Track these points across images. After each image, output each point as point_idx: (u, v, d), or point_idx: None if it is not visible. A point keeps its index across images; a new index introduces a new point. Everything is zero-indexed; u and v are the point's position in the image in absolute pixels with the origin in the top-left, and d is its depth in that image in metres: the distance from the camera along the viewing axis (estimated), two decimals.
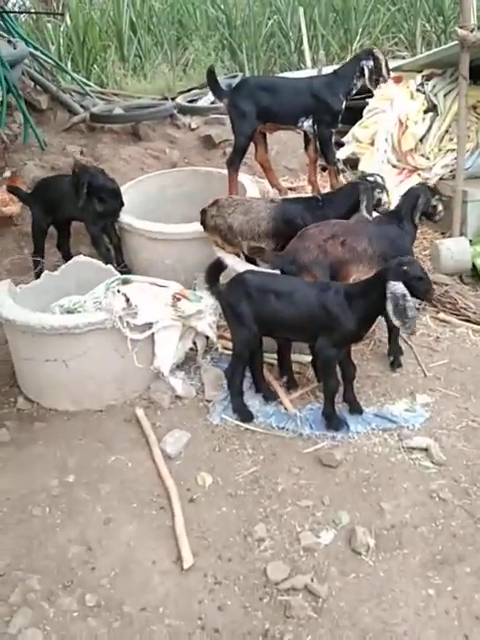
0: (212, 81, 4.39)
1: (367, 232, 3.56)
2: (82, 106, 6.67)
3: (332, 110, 4.23)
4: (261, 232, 3.85)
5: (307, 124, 4.32)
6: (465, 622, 2.28)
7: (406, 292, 2.82)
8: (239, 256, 3.97)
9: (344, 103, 4.26)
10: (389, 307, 2.84)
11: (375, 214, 3.78)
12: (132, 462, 3.12)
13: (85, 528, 2.75)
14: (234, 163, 4.46)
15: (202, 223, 4.04)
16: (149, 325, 3.44)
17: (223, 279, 3.34)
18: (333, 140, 4.42)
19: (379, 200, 3.81)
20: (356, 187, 3.81)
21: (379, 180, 3.88)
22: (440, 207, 3.70)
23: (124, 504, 2.88)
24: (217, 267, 3.28)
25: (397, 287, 2.81)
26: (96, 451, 3.20)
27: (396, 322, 2.86)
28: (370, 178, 3.89)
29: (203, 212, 4.03)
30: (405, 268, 2.88)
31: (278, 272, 3.50)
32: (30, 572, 2.54)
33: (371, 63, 4.17)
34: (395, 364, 3.67)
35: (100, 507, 2.86)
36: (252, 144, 4.54)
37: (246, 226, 3.86)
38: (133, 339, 3.38)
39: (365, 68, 4.18)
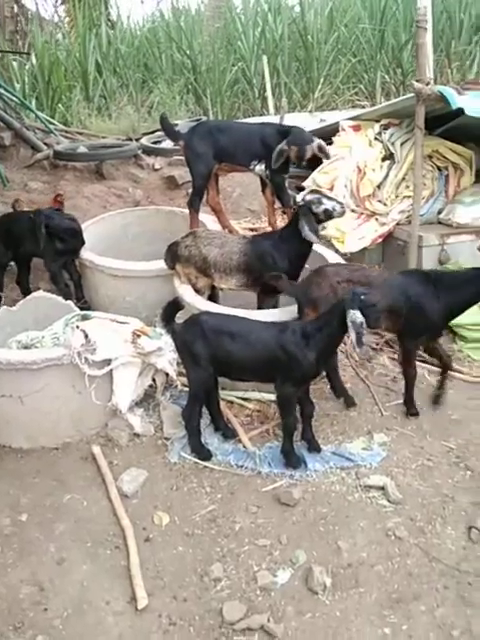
0: (166, 125, 4.53)
1: (383, 287, 3.45)
2: (45, 144, 6.72)
3: None
4: (233, 266, 3.90)
5: (259, 168, 4.42)
6: None
7: (363, 320, 2.90)
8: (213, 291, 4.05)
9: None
10: (352, 335, 2.91)
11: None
12: (87, 501, 3.07)
13: (37, 568, 2.68)
14: (195, 203, 4.53)
15: (173, 255, 4.05)
16: (108, 361, 3.42)
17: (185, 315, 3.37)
18: (286, 184, 4.52)
19: (325, 210, 3.73)
20: (297, 213, 3.80)
21: (311, 197, 3.78)
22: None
23: (78, 543, 2.82)
24: (174, 306, 3.29)
25: (357, 315, 2.90)
26: (50, 489, 3.14)
27: (357, 348, 2.94)
28: (299, 199, 3.86)
29: (175, 244, 4.05)
30: (362, 297, 2.96)
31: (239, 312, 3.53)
32: None
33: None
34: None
35: (53, 547, 2.80)
36: None
37: (220, 259, 3.91)
38: (91, 375, 3.35)
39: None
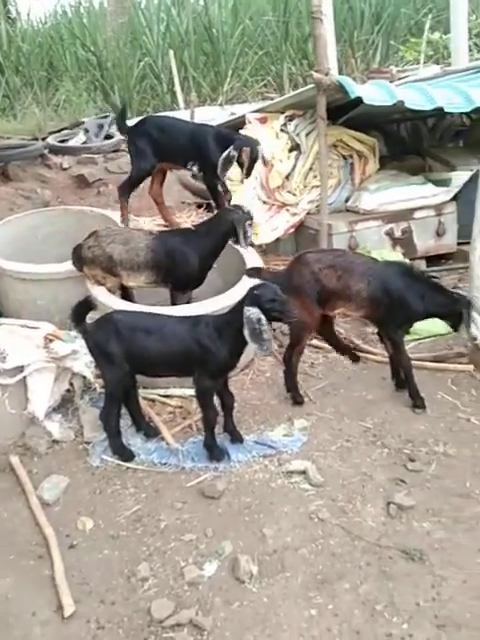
0: (120, 118, 4.62)
1: (369, 274, 3.48)
2: None
3: (212, 163, 4.33)
4: (140, 262, 3.88)
5: (196, 169, 4.43)
6: (346, 638, 2.33)
7: (261, 316, 2.91)
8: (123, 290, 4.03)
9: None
10: (246, 331, 2.92)
11: None
12: (7, 512, 3.00)
13: None
14: (124, 189, 4.54)
15: (78, 258, 3.99)
16: (20, 369, 3.34)
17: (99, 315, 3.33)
18: (219, 185, 4.54)
19: (245, 232, 3.81)
20: (228, 215, 3.85)
21: (250, 212, 3.92)
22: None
23: (0, 557, 2.75)
24: (84, 306, 3.22)
25: (252, 312, 2.91)
26: None
27: (253, 345, 2.96)
28: (245, 209, 3.93)
29: (79, 247, 4.00)
30: (256, 292, 2.98)
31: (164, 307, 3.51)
32: None
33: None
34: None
35: None
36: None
37: (125, 256, 3.87)
38: (3, 384, 3.27)
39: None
